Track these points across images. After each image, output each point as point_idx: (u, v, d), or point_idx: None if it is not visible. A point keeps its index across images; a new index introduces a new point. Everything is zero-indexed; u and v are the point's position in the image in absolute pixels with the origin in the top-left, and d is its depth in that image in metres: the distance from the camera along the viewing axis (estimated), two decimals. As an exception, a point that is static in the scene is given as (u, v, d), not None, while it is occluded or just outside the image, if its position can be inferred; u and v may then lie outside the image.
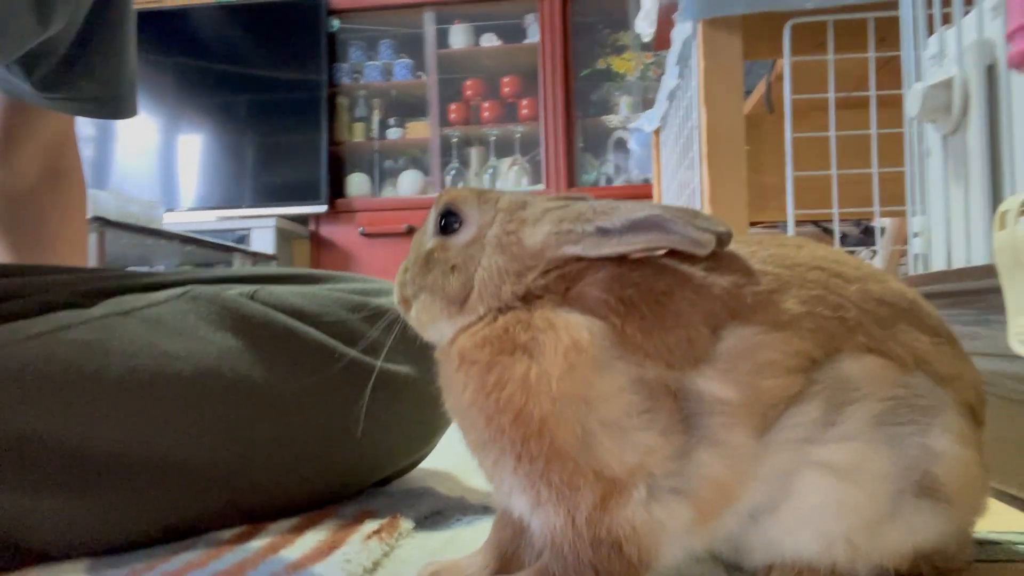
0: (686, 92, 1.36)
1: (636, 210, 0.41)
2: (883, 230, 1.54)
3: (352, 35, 3.73)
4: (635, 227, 0.41)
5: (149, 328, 0.56)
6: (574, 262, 0.42)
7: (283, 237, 3.42)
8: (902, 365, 0.42)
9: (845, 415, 0.41)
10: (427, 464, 0.79)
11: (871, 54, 1.11)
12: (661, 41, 1.82)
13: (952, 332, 0.47)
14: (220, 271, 0.72)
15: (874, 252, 1.62)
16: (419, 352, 0.66)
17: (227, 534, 0.56)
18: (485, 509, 0.66)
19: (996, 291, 0.57)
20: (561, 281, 0.42)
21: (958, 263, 0.68)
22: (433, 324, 0.45)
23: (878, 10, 1.10)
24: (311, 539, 0.54)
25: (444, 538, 0.57)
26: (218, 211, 3.49)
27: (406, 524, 0.58)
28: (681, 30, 1.26)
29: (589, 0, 3.58)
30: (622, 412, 0.38)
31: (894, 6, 1.09)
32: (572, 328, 0.39)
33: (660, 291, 0.40)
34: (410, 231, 3.47)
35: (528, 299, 0.42)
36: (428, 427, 0.71)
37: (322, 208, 3.48)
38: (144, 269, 3.23)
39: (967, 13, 0.71)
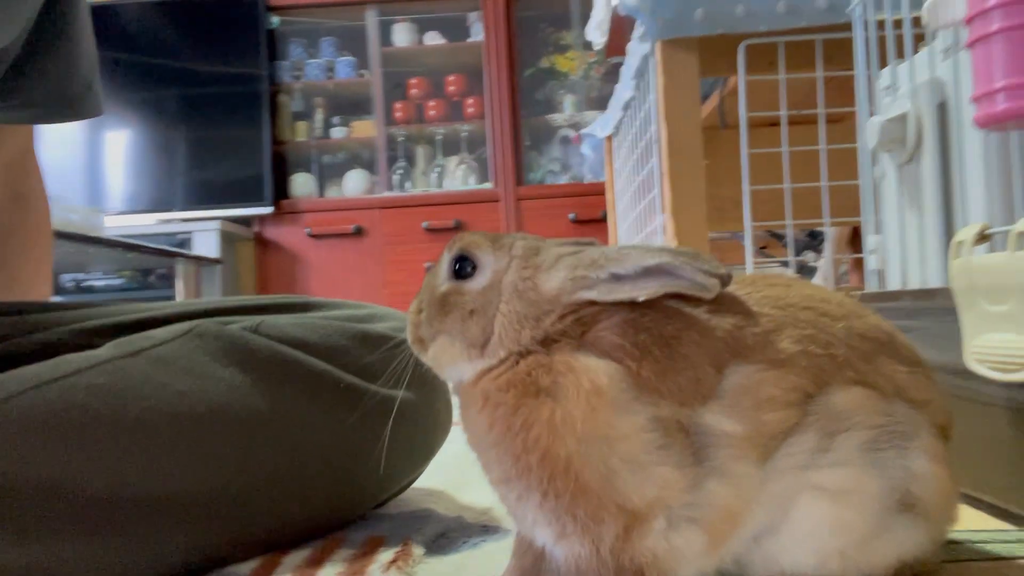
0: (643, 104, 1.41)
1: (647, 257, 0.44)
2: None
3: (292, 32, 3.67)
4: (647, 273, 0.44)
5: (159, 368, 0.57)
6: (588, 306, 0.45)
7: (227, 240, 3.35)
8: (884, 394, 0.47)
9: (836, 443, 0.45)
10: (417, 483, 0.81)
11: (819, 74, 1.17)
12: (612, 49, 1.87)
13: (922, 359, 0.52)
14: (211, 301, 0.72)
15: (818, 256, 1.72)
16: (414, 377, 0.68)
17: (245, 569, 0.58)
18: (484, 529, 0.69)
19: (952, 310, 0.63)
20: (577, 325, 0.44)
21: (913, 283, 0.74)
22: (453, 366, 0.47)
23: (824, 32, 1.17)
24: (331, 572, 0.56)
25: (455, 562, 0.60)
26: (157, 214, 3.39)
27: (417, 550, 0.60)
28: (638, 47, 1.30)
29: (532, -1, 3.62)
30: (641, 449, 0.41)
31: (839, 29, 1.16)
32: (591, 372, 0.42)
33: (670, 335, 0.43)
34: (358, 231, 3.45)
35: (546, 343, 0.44)
36: (425, 449, 0.74)
37: (267, 209, 3.42)
38: (79, 274, 3.12)
39: (917, 47, 0.77)
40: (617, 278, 0.44)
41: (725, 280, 0.45)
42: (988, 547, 0.60)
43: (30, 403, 0.51)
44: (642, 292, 0.44)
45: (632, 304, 0.45)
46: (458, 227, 3.44)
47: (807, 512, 0.45)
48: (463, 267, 0.47)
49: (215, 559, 0.58)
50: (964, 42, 0.51)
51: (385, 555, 0.59)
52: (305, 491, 0.62)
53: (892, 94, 0.80)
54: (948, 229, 0.71)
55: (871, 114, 0.84)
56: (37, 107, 0.86)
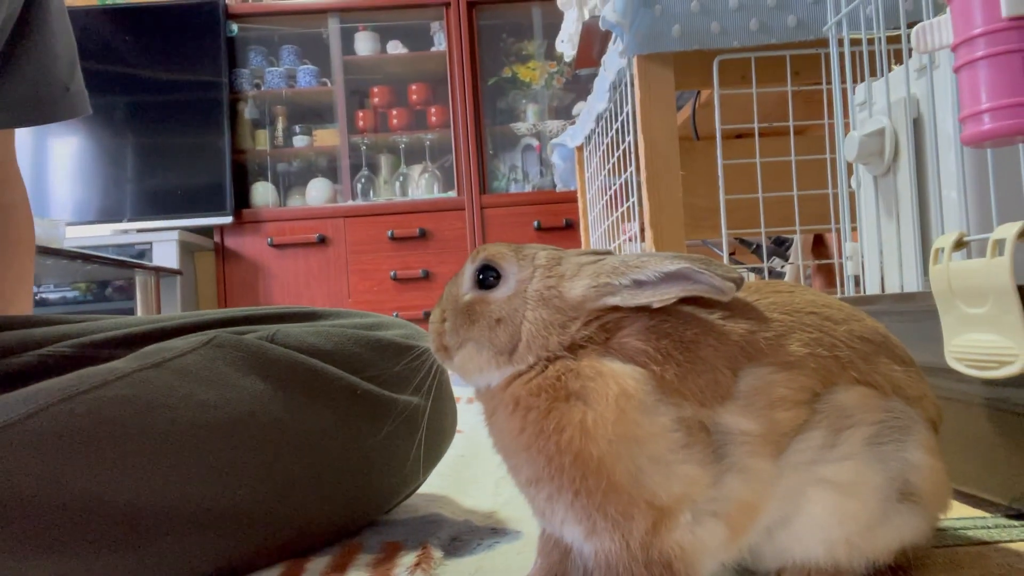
0: (618, 116, 1.45)
1: (666, 263, 0.46)
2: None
3: (252, 40, 3.64)
4: (667, 279, 0.46)
5: (182, 379, 0.57)
6: (611, 312, 0.47)
7: (186, 250, 3.29)
8: (883, 392, 0.50)
9: (843, 439, 0.49)
10: (419, 489, 0.82)
11: (788, 88, 1.23)
12: (581, 61, 1.91)
13: (913, 359, 0.55)
14: (218, 312, 0.73)
15: (785, 263, 1.78)
16: (423, 383, 0.70)
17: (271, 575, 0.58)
18: (494, 531, 0.71)
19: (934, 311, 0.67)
20: (602, 331, 0.47)
21: (891, 287, 0.79)
22: (481, 373, 0.49)
23: (793, 48, 1.22)
24: (357, 576, 0.57)
25: (473, 563, 0.62)
26: (113, 224, 3.31)
27: (436, 553, 0.62)
28: (615, 61, 1.34)
29: (493, 9, 3.65)
30: (667, 449, 0.44)
31: (807, 45, 1.22)
32: (619, 376, 0.45)
33: (689, 339, 0.46)
34: (322, 240, 3.43)
35: (572, 348, 0.47)
36: (434, 455, 0.75)
37: (227, 219, 3.37)
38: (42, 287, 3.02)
39: (891, 66, 0.82)
40: (639, 284, 0.46)
41: (739, 283, 0.48)
42: (971, 533, 0.64)
43: (57, 416, 0.52)
44: (663, 297, 0.46)
45: (652, 311, 0.47)
46: (423, 236, 3.44)
47: (816, 504, 0.48)
48: (487, 277, 0.49)
49: (240, 566, 0.58)
50: (951, 65, 0.55)
51: (406, 559, 0.60)
52: (324, 497, 0.63)
53: (867, 110, 0.85)
54: (924, 237, 0.76)
55: (846, 126, 0.89)
56: (12, 110, 0.85)
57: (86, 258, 2.37)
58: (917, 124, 0.75)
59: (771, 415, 0.46)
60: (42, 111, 0.89)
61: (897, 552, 0.52)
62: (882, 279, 0.81)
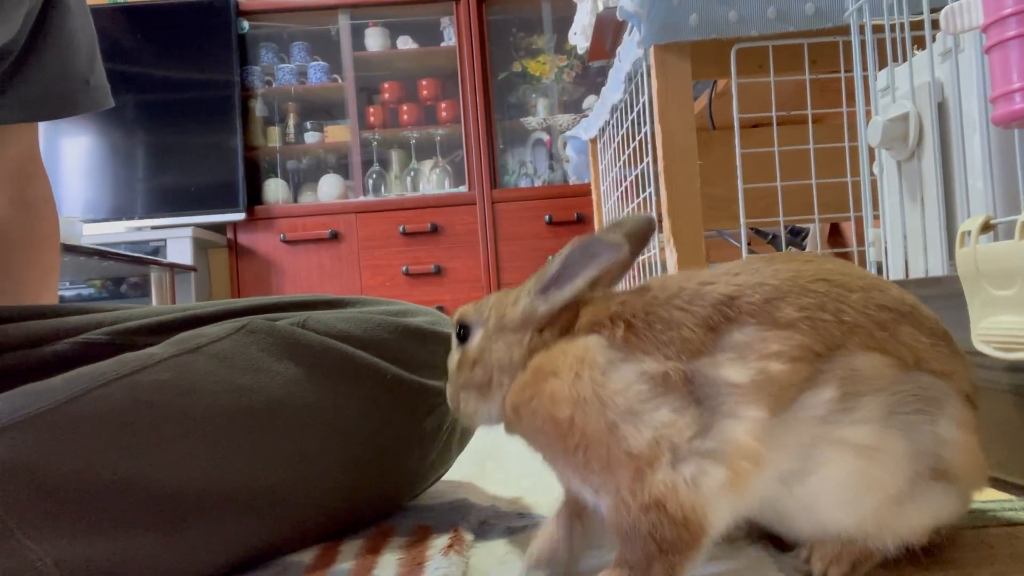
0: (634, 107, 1.45)
1: (556, 259, 0.51)
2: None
3: (263, 37, 3.65)
4: (565, 269, 0.51)
5: (218, 364, 0.58)
6: (564, 312, 0.52)
7: (200, 247, 3.32)
8: (904, 363, 0.49)
9: (860, 403, 0.48)
10: (444, 476, 0.83)
11: (807, 76, 1.23)
12: (595, 53, 1.91)
13: (948, 332, 0.53)
14: (247, 300, 0.73)
15: (800, 252, 1.78)
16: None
17: (305, 558, 0.59)
18: (520, 516, 0.72)
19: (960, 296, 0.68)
20: (559, 329, 0.51)
21: (916, 272, 0.79)
22: (477, 413, 0.55)
23: (811, 36, 1.22)
24: (391, 559, 0.58)
25: (504, 546, 0.62)
26: (128, 222, 3.33)
27: (468, 536, 0.62)
28: (631, 51, 1.34)
29: (502, 4, 3.65)
30: (635, 400, 0.46)
31: (825, 33, 1.22)
32: (577, 347, 0.49)
33: (646, 304, 0.49)
34: (334, 236, 3.44)
35: (535, 352, 0.51)
36: (460, 438, 0.76)
37: (240, 215, 3.39)
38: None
39: (914, 51, 0.82)
40: (549, 286, 0.52)
41: (644, 225, 0.54)
42: (999, 515, 0.64)
43: (98, 400, 0.52)
44: (581, 281, 0.51)
45: (613, 298, 0.51)
46: (434, 231, 3.45)
47: (835, 465, 0.48)
48: (463, 333, 0.56)
49: (275, 548, 0.59)
50: (977, 48, 0.55)
51: (438, 541, 0.61)
52: (356, 480, 0.63)
53: (889, 95, 0.85)
54: (949, 221, 0.76)
55: (867, 113, 0.89)
56: (33, 104, 0.86)
57: (103, 255, 2.39)
58: (942, 108, 0.75)
59: (765, 367, 0.46)
60: (63, 105, 0.89)
61: (930, 531, 0.52)
62: (906, 264, 0.81)
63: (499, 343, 0.53)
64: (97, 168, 3.43)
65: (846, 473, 0.48)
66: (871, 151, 0.88)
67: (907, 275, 0.81)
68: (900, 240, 0.82)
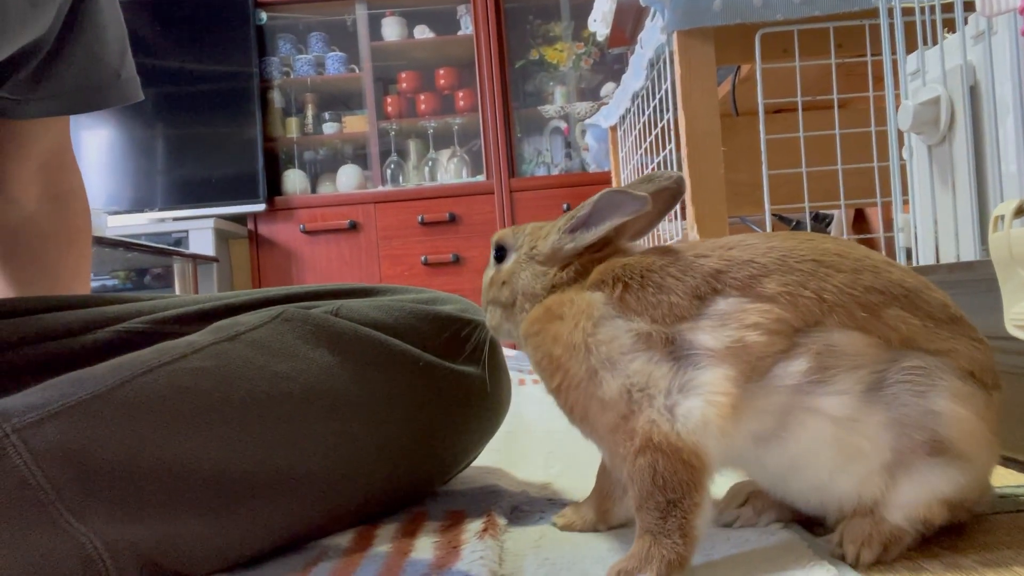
0: (656, 93, 1.44)
1: (590, 201, 0.56)
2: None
3: (281, 28, 3.66)
4: (595, 209, 0.56)
5: (256, 351, 0.59)
6: (581, 256, 0.57)
7: (221, 238, 3.35)
8: (888, 343, 0.50)
9: (835, 378, 0.49)
10: (474, 462, 0.84)
11: (832, 60, 1.21)
12: (615, 40, 1.90)
13: (956, 316, 0.53)
14: (281, 289, 0.74)
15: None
16: (482, 356, 0.71)
17: (342, 541, 0.60)
18: (551, 502, 0.72)
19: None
20: (576, 274, 0.57)
21: (947, 258, 0.79)
22: (499, 326, 0.62)
23: (837, 20, 1.21)
24: (427, 542, 0.59)
25: (537, 532, 0.63)
26: (150, 213, 3.37)
27: (501, 521, 0.63)
28: (653, 37, 1.34)
29: (519, -8, 3.64)
30: (616, 352, 0.51)
31: (850, 17, 1.20)
32: (583, 299, 0.54)
33: (645, 269, 0.53)
34: (353, 226, 3.46)
35: (557, 288, 0.57)
36: (491, 426, 0.76)
37: (260, 207, 3.42)
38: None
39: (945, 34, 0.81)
40: (577, 227, 0.57)
41: (674, 185, 0.58)
42: (1032, 500, 0.64)
43: (141, 387, 0.54)
44: (602, 228, 0.55)
45: (622, 256, 0.56)
46: (453, 220, 3.46)
47: (806, 427, 0.50)
48: (500, 254, 0.62)
49: (313, 532, 0.61)
50: (1010, 30, 0.55)
51: (472, 526, 0.62)
52: (392, 466, 0.64)
53: (919, 79, 0.84)
54: (981, 206, 0.75)
55: (896, 98, 0.88)
56: (65, 97, 0.87)
57: (128, 246, 2.42)
58: (974, 91, 0.75)
59: (741, 337, 0.50)
60: (94, 98, 0.90)
61: (946, 509, 0.51)
62: (936, 250, 0.81)
63: (527, 271, 0.59)
64: (119, 160, 3.47)
65: (823, 440, 0.50)
66: (900, 135, 0.87)
67: (937, 260, 0.81)
68: (930, 225, 0.81)
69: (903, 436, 0.49)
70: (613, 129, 2.00)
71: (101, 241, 2.29)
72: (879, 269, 0.53)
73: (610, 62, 3.66)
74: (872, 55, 1.20)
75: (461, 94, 3.61)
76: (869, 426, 0.49)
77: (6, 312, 0.70)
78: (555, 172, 3.61)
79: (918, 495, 0.51)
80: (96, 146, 3.48)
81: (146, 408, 0.53)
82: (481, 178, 3.54)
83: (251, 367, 0.58)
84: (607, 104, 1.98)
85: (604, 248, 0.57)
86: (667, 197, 0.59)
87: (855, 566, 0.51)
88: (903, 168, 0.89)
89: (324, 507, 0.60)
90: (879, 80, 0.95)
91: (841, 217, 1.68)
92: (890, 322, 0.50)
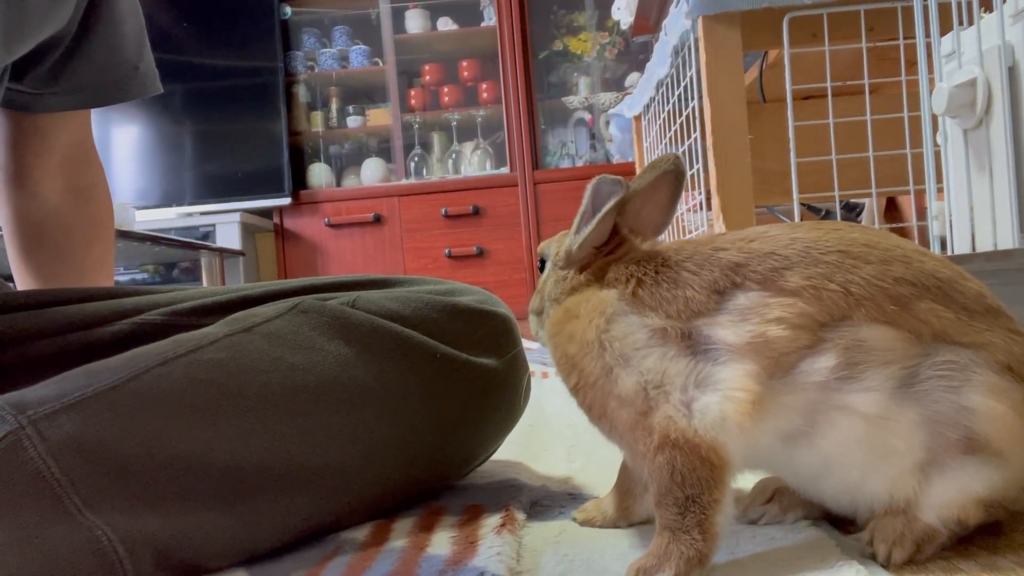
0: (681, 81, 1.42)
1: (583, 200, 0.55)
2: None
3: (305, 22, 3.67)
4: (586, 206, 0.55)
5: (272, 343, 0.59)
6: (595, 260, 0.56)
7: (247, 232, 3.38)
8: (918, 337, 0.47)
9: (864, 374, 0.47)
10: (493, 455, 0.83)
11: (863, 44, 1.18)
12: (639, 28, 1.87)
13: (994, 307, 0.50)
14: (299, 281, 0.74)
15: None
16: (501, 349, 0.70)
17: (359, 534, 0.60)
18: (571, 496, 0.71)
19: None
20: (594, 276, 0.56)
21: (984, 245, 0.76)
22: (537, 333, 0.62)
23: (868, 3, 1.17)
24: (444, 537, 0.58)
25: (557, 527, 0.62)
26: (178, 208, 3.41)
27: (520, 515, 0.62)
28: (678, 23, 1.31)
29: (543, -18, 3.61)
30: (630, 348, 0.50)
31: (881, -1, 1.17)
32: (597, 297, 0.54)
33: (657, 265, 0.53)
34: (377, 219, 3.47)
35: (575, 290, 0.56)
36: (510, 420, 0.75)
37: (285, 200, 3.44)
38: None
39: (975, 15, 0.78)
40: (580, 226, 0.56)
41: (670, 167, 0.55)
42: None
43: (157, 379, 0.53)
44: (595, 222, 0.54)
45: (635, 257, 0.54)
46: (476, 213, 3.45)
47: (836, 426, 0.48)
48: (541, 265, 0.63)
49: (330, 525, 0.60)
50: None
51: (490, 520, 0.61)
52: (407, 458, 0.63)
53: (954, 61, 0.81)
54: (1020, 192, 0.72)
55: (931, 81, 0.85)
56: (85, 91, 0.87)
57: (156, 240, 2.45)
58: (1012, 73, 0.71)
59: (764, 332, 0.47)
60: (113, 91, 0.91)
61: (983, 508, 0.49)
62: (972, 238, 0.78)
63: (552, 278, 0.59)
64: (147, 155, 3.51)
65: (855, 439, 0.48)
66: (934, 120, 0.84)
67: (973, 249, 0.78)
68: (966, 212, 0.78)
69: (936, 434, 0.47)
70: (637, 119, 1.98)
71: (130, 235, 2.31)
72: (910, 259, 0.50)
73: (635, 51, 3.62)
74: (904, 38, 1.17)
75: (484, 86, 3.60)
76: (901, 424, 0.47)
77: (26, 304, 0.70)
78: (579, 164, 3.58)
79: (952, 495, 0.48)
80: (125, 142, 3.53)
81: (161, 400, 0.52)
82: (505, 170, 3.53)
83: (266, 359, 0.57)
84: (631, 94, 1.95)
85: (618, 248, 0.56)
86: (671, 182, 0.56)
87: (886, 566, 0.49)
88: (937, 154, 0.86)
89: (340, 500, 0.60)
90: (912, 64, 0.92)
91: (872, 206, 1.64)
92: (922, 316, 0.48)
